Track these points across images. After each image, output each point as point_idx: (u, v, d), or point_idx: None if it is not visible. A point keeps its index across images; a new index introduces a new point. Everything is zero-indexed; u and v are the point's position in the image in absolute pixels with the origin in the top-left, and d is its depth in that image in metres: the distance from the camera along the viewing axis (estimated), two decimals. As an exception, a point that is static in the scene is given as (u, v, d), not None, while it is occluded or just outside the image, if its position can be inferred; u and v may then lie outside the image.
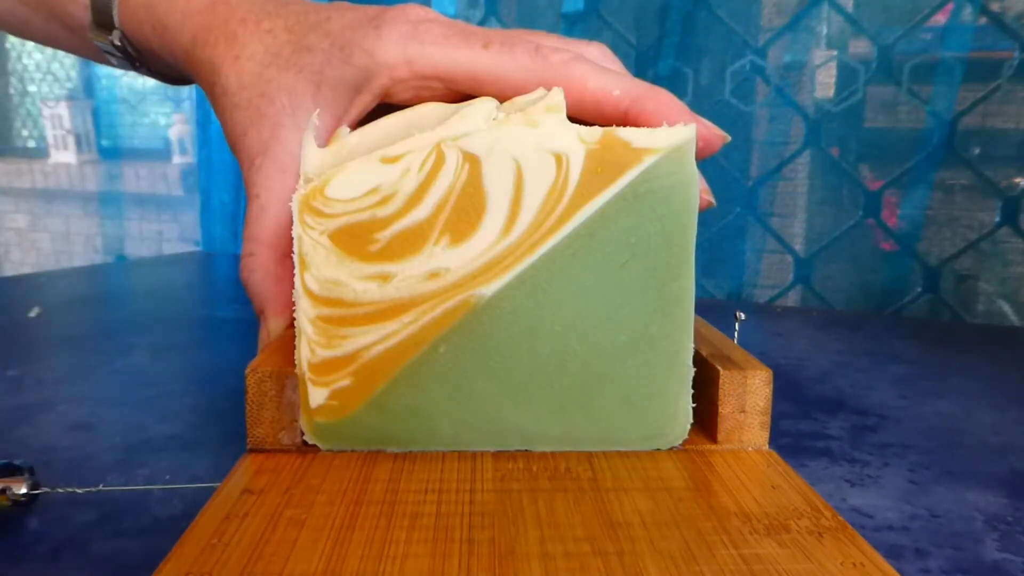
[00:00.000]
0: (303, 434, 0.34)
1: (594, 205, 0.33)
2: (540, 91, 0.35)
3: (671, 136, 0.32)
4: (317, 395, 0.33)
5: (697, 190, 0.33)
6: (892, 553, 0.38)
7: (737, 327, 0.40)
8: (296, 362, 0.33)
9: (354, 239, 0.32)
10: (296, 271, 0.33)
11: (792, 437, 0.53)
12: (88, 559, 0.36)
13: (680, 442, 0.35)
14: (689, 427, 0.35)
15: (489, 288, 0.33)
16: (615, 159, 0.32)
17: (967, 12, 0.96)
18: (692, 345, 0.34)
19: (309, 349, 0.33)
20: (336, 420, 0.34)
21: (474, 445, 0.34)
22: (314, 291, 0.33)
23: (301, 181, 0.33)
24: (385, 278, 0.33)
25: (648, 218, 0.33)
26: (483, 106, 0.33)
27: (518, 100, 0.35)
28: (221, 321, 0.87)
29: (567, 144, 0.32)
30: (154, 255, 1.86)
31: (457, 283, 0.33)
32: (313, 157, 0.33)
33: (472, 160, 0.32)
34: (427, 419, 0.34)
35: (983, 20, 0.95)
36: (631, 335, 0.33)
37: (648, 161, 0.32)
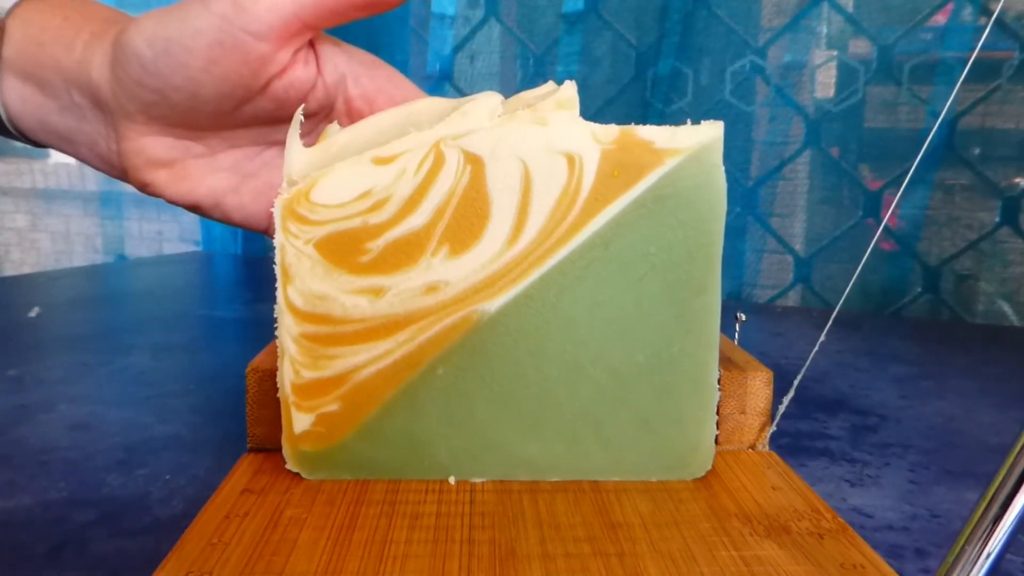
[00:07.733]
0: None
1: (610, 212, 0.29)
2: (550, 85, 0.31)
3: (696, 135, 0.29)
4: (302, 421, 0.30)
5: (724, 195, 0.29)
6: (892, 553, 0.38)
7: (737, 328, 0.40)
8: (279, 384, 0.30)
9: (343, 249, 0.29)
10: (278, 284, 0.29)
11: (792, 437, 0.53)
12: (88, 559, 0.36)
13: (703, 473, 0.32)
14: (713, 457, 0.32)
15: (493, 303, 0.30)
16: (634, 161, 0.29)
17: (967, 12, 0.96)
18: (717, 366, 0.31)
19: (293, 370, 0.30)
20: (323, 448, 0.31)
21: (475, 475, 0.31)
22: (298, 306, 0.29)
23: (284, 184, 0.29)
24: (377, 292, 0.29)
25: (670, 226, 0.29)
26: (487, 101, 0.30)
27: (524, 95, 0.31)
28: (221, 321, 0.87)
29: (580, 144, 0.29)
30: (154, 255, 1.86)
31: (457, 298, 0.30)
32: (298, 157, 0.29)
33: (475, 161, 0.29)
34: (423, 447, 0.31)
35: (983, 20, 0.95)
36: (650, 355, 0.30)
37: (670, 163, 0.29)
